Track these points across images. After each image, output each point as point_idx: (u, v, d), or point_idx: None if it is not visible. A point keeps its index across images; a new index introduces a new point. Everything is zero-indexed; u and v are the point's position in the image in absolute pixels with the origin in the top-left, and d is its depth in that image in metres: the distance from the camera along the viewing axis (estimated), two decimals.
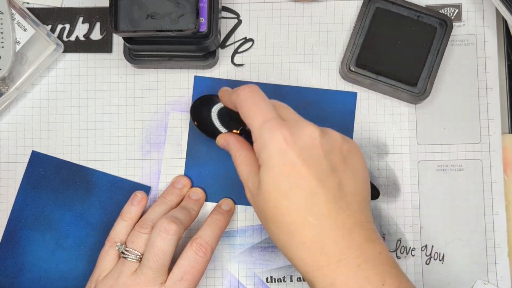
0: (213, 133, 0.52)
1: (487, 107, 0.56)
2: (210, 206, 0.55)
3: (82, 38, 0.57)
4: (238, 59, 0.57)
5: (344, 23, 0.57)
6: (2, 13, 0.54)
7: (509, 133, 0.56)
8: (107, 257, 0.50)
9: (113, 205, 0.55)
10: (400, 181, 0.55)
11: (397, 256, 0.55)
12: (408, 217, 0.55)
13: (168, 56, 0.54)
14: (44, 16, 0.57)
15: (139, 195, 0.53)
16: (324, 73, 0.56)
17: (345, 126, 0.55)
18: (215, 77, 0.56)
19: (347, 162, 0.44)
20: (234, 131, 0.51)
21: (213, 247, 0.50)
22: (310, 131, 0.43)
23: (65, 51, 0.57)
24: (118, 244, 0.50)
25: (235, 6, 0.57)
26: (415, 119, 0.56)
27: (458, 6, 0.57)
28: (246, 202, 0.55)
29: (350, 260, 0.41)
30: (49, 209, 0.55)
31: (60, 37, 0.57)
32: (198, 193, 0.55)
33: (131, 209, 0.52)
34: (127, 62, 0.55)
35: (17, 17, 0.55)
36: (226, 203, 0.54)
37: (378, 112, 0.56)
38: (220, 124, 0.52)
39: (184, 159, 0.56)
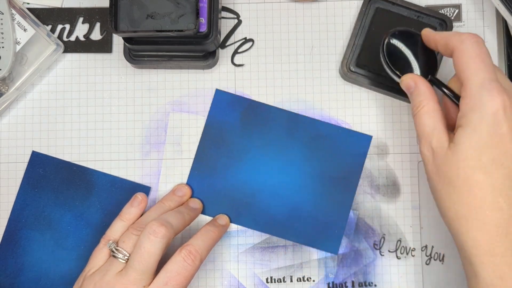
0: (400, 70, 0.48)
1: None
2: (205, 218, 0.55)
3: (82, 38, 0.57)
4: (238, 59, 0.57)
5: (344, 23, 0.57)
6: (2, 13, 0.54)
7: None
8: (100, 254, 0.50)
9: (113, 205, 0.55)
10: (400, 181, 0.55)
11: (397, 257, 0.55)
12: (408, 217, 0.55)
13: (168, 56, 0.54)
14: (44, 16, 0.57)
15: (139, 196, 0.53)
16: (324, 73, 0.56)
17: (353, 168, 0.55)
18: (232, 89, 0.56)
19: None
20: (398, 68, 0.48)
21: (202, 257, 0.49)
22: None
23: (65, 51, 0.57)
24: (111, 241, 0.50)
25: (235, 6, 0.57)
26: None
27: (458, 6, 0.57)
28: (242, 222, 0.55)
29: None
30: (49, 209, 0.55)
31: (60, 37, 0.57)
32: (196, 203, 0.54)
33: (130, 210, 0.52)
34: (127, 62, 0.55)
35: (17, 17, 0.55)
36: (223, 218, 0.54)
37: (378, 112, 0.56)
38: (386, 62, 0.48)
39: (183, 160, 0.56)
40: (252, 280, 0.55)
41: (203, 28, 0.50)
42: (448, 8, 0.56)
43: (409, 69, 0.48)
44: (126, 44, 0.52)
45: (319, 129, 0.55)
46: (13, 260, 0.55)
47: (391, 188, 0.55)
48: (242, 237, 0.55)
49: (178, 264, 0.48)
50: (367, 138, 0.55)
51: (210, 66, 0.56)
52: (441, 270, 0.55)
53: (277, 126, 0.55)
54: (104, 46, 0.57)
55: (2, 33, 0.54)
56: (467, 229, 0.40)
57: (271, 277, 0.55)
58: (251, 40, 0.57)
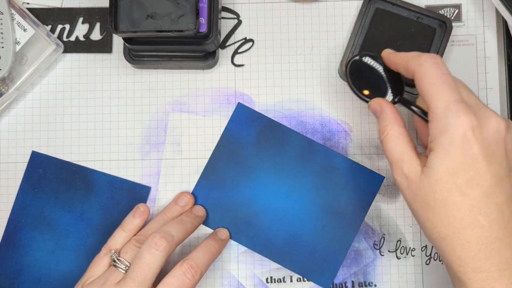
0: (358, 90, 0.48)
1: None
2: (205, 230, 0.55)
3: (82, 39, 0.57)
4: (238, 59, 0.57)
5: (344, 23, 0.57)
6: (2, 13, 0.54)
7: None
8: (100, 263, 0.50)
9: (113, 205, 0.55)
10: None
11: (397, 257, 0.55)
12: (408, 217, 0.55)
13: (168, 57, 0.54)
14: (44, 16, 0.57)
15: (141, 208, 0.53)
16: (324, 73, 0.56)
17: (361, 205, 0.54)
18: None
19: None
20: (365, 92, 0.47)
21: (202, 271, 0.49)
22: (496, 123, 0.40)
23: (65, 51, 0.57)
24: (112, 251, 0.50)
25: (235, 6, 0.57)
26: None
27: (458, 7, 0.57)
28: (240, 240, 0.55)
29: None
30: (49, 209, 0.55)
31: (60, 37, 0.57)
32: (200, 210, 0.54)
33: (132, 221, 0.52)
34: (127, 62, 0.55)
35: (17, 17, 0.55)
36: (223, 232, 0.54)
37: None
38: (351, 81, 0.48)
39: (183, 160, 0.56)
40: (252, 280, 0.55)
41: (203, 28, 0.50)
42: (448, 8, 0.56)
43: (378, 92, 0.47)
44: (126, 44, 0.52)
45: (332, 160, 0.55)
46: (13, 260, 0.55)
47: (391, 188, 0.55)
48: None
49: (177, 278, 0.47)
50: (379, 178, 0.55)
51: (210, 66, 0.56)
52: (441, 270, 0.55)
53: (292, 149, 0.55)
54: (104, 46, 0.57)
55: (2, 33, 0.54)
56: (452, 249, 0.41)
57: (271, 277, 0.55)
58: (251, 40, 0.57)
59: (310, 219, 0.54)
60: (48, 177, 0.56)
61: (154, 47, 0.53)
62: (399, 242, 0.55)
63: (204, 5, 0.50)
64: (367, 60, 0.48)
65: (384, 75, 0.48)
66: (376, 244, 0.55)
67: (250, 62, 0.57)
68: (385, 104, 0.45)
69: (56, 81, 0.57)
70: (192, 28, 0.49)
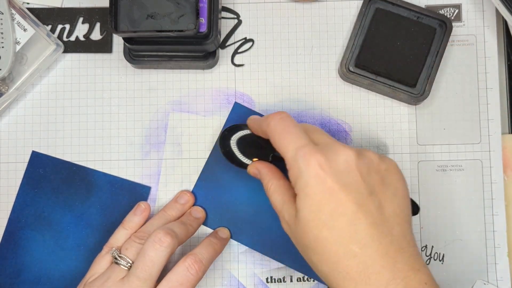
0: (239, 162, 0.51)
1: (487, 107, 0.56)
2: (205, 230, 0.55)
3: (82, 38, 0.57)
4: (238, 59, 0.57)
5: (344, 23, 0.57)
6: (2, 13, 0.54)
7: (509, 133, 0.56)
8: (102, 261, 0.50)
9: (113, 205, 0.55)
10: None
11: None
12: None
13: (168, 57, 0.54)
14: (44, 16, 0.57)
15: (142, 205, 0.53)
16: (323, 73, 0.56)
17: None
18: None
19: (386, 182, 0.43)
20: (254, 159, 0.51)
21: (206, 267, 0.49)
22: (345, 155, 0.42)
23: (65, 51, 0.57)
24: (113, 249, 0.50)
25: (235, 6, 0.57)
26: (415, 119, 0.56)
27: (458, 7, 0.57)
28: (240, 240, 0.55)
29: None
30: (49, 209, 0.55)
31: (60, 37, 0.57)
32: (199, 211, 0.54)
33: (133, 219, 0.53)
34: (127, 62, 0.55)
35: (17, 17, 0.55)
36: (224, 231, 0.54)
37: (378, 112, 0.56)
38: (239, 153, 0.51)
39: (183, 160, 0.56)
40: (252, 280, 0.55)
41: (203, 28, 0.50)
42: (448, 8, 0.56)
43: (256, 154, 0.51)
44: (126, 44, 0.52)
45: None
46: (13, 260, 0.55)
47: None
48: None
49: (180, 273, 0.48)
50: None
51: (210, 66, 0.56)
52: (441, 270, 0.55)
53: None
54: (104, 46, 0.57)
55: (2, 33, 0.54)
56: (337, 284, 0.42)
57: (271, 277, 0.55)
58: (251, 40, 0.57)
59: None
60: (48, 177, 0.56)
61: (154, 47, 0.53)
62: None
63: (204, 5, 0.50)
64: (237, 129, 0.52)
65: (255, 139, 0.51)
66: None
67: (250, 62, 0.57)
68: (260, 165, 0.49)
69: (56, 81, 0.57)
70: (192, 28, 0.49)
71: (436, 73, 0.54)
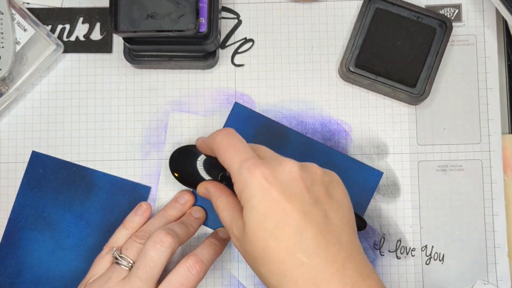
0: (195, 184, 0.52)
1: (487, 107, 0.56)
2: (205, 230, 0.55)
3: (82, 38, 0.57)
4: (238, 59, 0.57)
5: (344, 23, 0.57)
6: (2, 13, 0.54)
7: (509, 133, 0.56)
8: (102, 261, 0.50)
9: (113, 205, 0.55)
10: (400, 181, 0.55)
11: (397, 256, 0.55)
12: (408, 217, 0.55)
13: (168, 57, 0.54)
14: (44, 16, 0.57)
15: (144, 205, 0.53)
16: (323, 73, 0.56)
17: (360, 201, 0.54)
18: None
19: (330, 194, 0.43)
20: (206, 179, 0.51)
21: (207, 267, 0.49)
22: (289, 166, 0.43)
23: (65, 51, 0.57)
24: (114, 249, 0.50)
25: (235, 6, 0.57)
26: (415, 119, 0.56)
27: (458, 7, 0.57)
28: None
29: None
30: (49, 209, 0.55)
31: (60, 37, 0.57)
32: (199, 211, 0.54)
33: (134, 219, 0.53)
34: (127, 62, 0.55)
35: (17, 17, 0.55)
36: (224, 232, 0.54)
37: (378, 112, 0.56)
38: (206, 174, 0.52)
39: None
40: (252, 280, 0.55)
41: (203, 28, 0.50)
42: (448, 8, 0.56)
43: (207, 175, 0.52)
44: (126, 44, 0.52)
45: (332, 157, 0.55)
46: (13, 260, 0.55)
47: (391, 188, 0.55)
48: None
49: (181, 274, 0.48)
50: (378, 174, 0.55)
51: (210, 66, 0.56)
52: (441, 270, 0.55)
53: (291, 148, 0.55)
54: (104, 46, 0.57)
55: (2, 33, 0.54)
56: None
57: None
58: (251, 40, 0.57)
59: None
60: (48, 177, 0.56)
61: (154, 47, 0.53)
62: (399, 242, 0.55)
63: (204, 5, 0.50)
64: (187, 150, 0.53)
65: (208, 161, 0.52)
66: (376, 244, 0.55)
67: (250, 62, 0.57)
68: (208, 184, 0.50)
69: (56, 81, 0.57)
70: (192, 28, 0.49)
71: (436, 73, 0.54)
